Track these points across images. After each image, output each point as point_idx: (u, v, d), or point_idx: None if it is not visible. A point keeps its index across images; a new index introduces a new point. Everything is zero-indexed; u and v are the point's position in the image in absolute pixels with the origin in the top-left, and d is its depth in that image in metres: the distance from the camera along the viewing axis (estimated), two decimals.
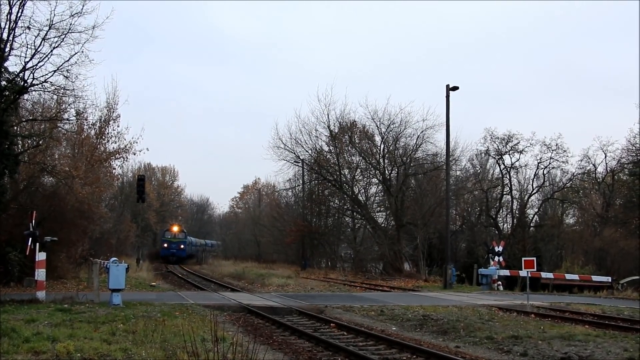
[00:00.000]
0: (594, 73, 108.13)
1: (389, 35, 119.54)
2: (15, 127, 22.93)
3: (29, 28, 19.63)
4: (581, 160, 41.15)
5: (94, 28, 20.32)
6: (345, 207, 44.73)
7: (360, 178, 43.34)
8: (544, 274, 26.94)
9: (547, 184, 42.38)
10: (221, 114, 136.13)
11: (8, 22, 19.61)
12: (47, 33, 19.70)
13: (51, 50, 19.96)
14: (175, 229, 60.89)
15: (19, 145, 23.98)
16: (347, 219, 46.50)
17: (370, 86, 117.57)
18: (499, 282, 26.30)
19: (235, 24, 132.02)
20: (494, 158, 41.40)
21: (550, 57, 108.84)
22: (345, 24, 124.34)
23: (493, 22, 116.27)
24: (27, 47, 19.75)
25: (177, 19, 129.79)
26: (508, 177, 41.06)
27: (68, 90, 21.27)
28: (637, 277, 28.73)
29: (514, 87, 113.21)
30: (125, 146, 31.45)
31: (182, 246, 59.60)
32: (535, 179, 40.95)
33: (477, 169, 45.06)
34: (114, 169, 34.82)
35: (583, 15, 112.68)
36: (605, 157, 41.12)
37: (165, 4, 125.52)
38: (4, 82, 20.15)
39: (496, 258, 27.14)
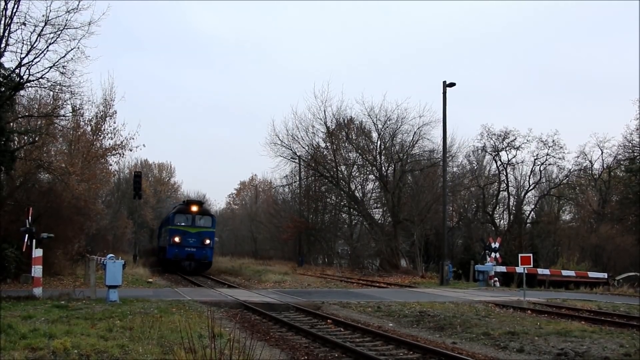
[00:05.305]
0: (590, 70, 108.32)
1: (385, 32, 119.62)
2: (11, 124, 22.85)
3: (24, 24, 19.55)
4: (577, 157, 41.48)
5: (90, 24, 20.20)
6: (342, 203, 44.76)
7: (357, 174, 43.42)
8: (540, 271, 27.04)
9: (544, 181, 42.66)
10: (216, 111, 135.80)
11: (3, 18, 19.54)
12: (42, 29, 19.59)
13: (47, 47, 19.87)
14: (194, 208, 35.35)
15: (15, 142, 23.89)
16: (343, 216, 46.59)
17: (366, 83, 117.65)
18: (496, 279, 26.38)
19: (225, 24, 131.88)
20: (491, 154, 41.64)
21: (546, 54, 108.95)
22: (340, 21, 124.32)
23: (489, 20, 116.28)
24: (22, 43, 19.68)
25: (163, 19, 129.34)
26: (505, 174, 41.29)
27: (64, 86, 21.18)
28: (633, 274, 28.90)
29: (510, 83, 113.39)
30: (122, 142, 31.29)
31: (207, 241, 34.84)
32: (531, 176, 41.21)
33: (474, 165, 45.28)
34: (111, 165, 34.72)
35: (578, 13, 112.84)
36: (602, 153, 41.41)
37: (153, 6, 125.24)
38: None
39: (493, 254, 27.24)
